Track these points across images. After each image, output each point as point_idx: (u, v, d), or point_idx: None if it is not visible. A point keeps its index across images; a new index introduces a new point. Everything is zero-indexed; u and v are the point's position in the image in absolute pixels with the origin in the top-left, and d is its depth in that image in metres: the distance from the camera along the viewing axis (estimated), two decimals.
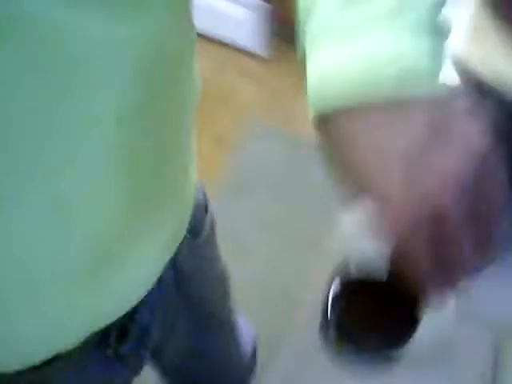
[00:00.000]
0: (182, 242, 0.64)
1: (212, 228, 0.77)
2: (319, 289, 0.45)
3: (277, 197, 1.77)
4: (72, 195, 0.41)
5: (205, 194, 0.75)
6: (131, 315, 0.62)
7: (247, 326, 1.05)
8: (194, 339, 0.84)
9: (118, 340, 0.63)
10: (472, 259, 0.37)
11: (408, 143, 0.36)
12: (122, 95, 0.40)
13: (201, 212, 0.72)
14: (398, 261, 0.38)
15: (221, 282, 0.86)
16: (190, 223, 0.65)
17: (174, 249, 0.62)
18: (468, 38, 0.67)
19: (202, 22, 1.85)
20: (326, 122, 0.38)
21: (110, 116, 0.40)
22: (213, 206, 0.76)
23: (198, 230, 0.72)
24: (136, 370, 0.70)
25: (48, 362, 0.54)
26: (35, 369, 0.53)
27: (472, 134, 0.36)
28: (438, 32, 0.37)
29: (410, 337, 0.41)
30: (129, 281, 0.54)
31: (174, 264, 0.66)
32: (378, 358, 0.42)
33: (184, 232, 0.64)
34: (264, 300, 1.57)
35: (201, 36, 1.98)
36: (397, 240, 0.37)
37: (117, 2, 0.36)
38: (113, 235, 0.47)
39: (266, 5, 1.89)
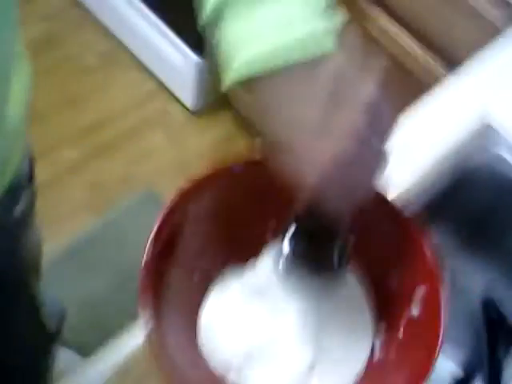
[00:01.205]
0: None
1: (32, 206, 0.76)
2: None
3: None
4: None
5: (31, 162, 0.72)
6: None
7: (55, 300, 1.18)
8: None
9: None
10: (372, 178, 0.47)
11: (314, 110, 0.43)
12: None
13: (22, 178, 0.69)
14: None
15: (32, 258, 0.87)
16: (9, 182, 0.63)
17: None
18: None
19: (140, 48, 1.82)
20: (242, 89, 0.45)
21: None
22: None
23: (15, 196, 0.69)
24: None
25: None
26: None
27: (364, 89, 0.43)
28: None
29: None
30: None
31: None
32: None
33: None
34: None
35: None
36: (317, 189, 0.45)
37: None
38: None
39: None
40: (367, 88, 0.44)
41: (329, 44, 0.44)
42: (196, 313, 0.57)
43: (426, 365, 0.50)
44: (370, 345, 0.57)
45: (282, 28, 0.43)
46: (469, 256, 0.88)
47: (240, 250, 0.59)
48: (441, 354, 0.82)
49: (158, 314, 0.50)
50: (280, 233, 0.57)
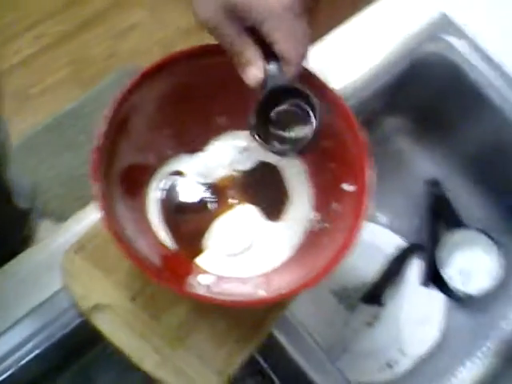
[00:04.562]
0: None
1: None
2: None
3: None
4: None
5: None
6: None
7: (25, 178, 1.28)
8: None
9: None
10: None
11: None
12: None
13: None
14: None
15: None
16: None
17: None
18: None
19: None
20: None
21: None
22: None
23: None
24: None
25: None
26: None
27: None
28: None
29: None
30: None
31: None
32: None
33: None
34: None
35: None
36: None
37: None
38: None
39: None
40: None
41: None
42: (146, 187, 0.64)
43: (354, 231, 0.56)
44: (309, 218, 0.63)
45: None
46: (418, 139, 0.93)
47: (189, 141, 0.64)
48: (388, 229, 0.90)
49: (107, 185, 0.56)
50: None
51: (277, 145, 0.56)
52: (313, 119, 0.54)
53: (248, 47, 0.51)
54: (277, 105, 0.55)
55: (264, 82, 0.52)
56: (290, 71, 0.52)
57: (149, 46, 1.74)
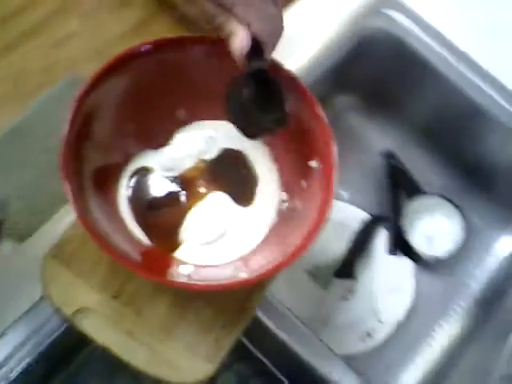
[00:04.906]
0: None
1: None
2: None
3: None
4: None
5: None
6: None
7: None
8: None
9: None
10: None
11: None
12: None
13: None
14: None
15: None
16: None
17: None
18: None
19: None
20: None
21: None
22: None
23: None
24: None
25: None
26: None
27: None
28: None
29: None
30: None
31: None
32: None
33: None
34: None
35: None
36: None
37: None
38: None
39: None
40: None
41: None
42: (115, 186, 0.64)
43: (325, 205, 0.57)
44: (279, 199, 0.65)
45: None
46: (369, 115, 0.96)
47: (153, 136, 0.65)
48: (351, 204, 0.92)
49: (79, 187, 0.56)
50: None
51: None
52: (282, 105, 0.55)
53: (229, 19, 0.51)
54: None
55: (248, 56, 0.52)
56: (267, 52, 0.53)
57: (86, 54, 1.73)
